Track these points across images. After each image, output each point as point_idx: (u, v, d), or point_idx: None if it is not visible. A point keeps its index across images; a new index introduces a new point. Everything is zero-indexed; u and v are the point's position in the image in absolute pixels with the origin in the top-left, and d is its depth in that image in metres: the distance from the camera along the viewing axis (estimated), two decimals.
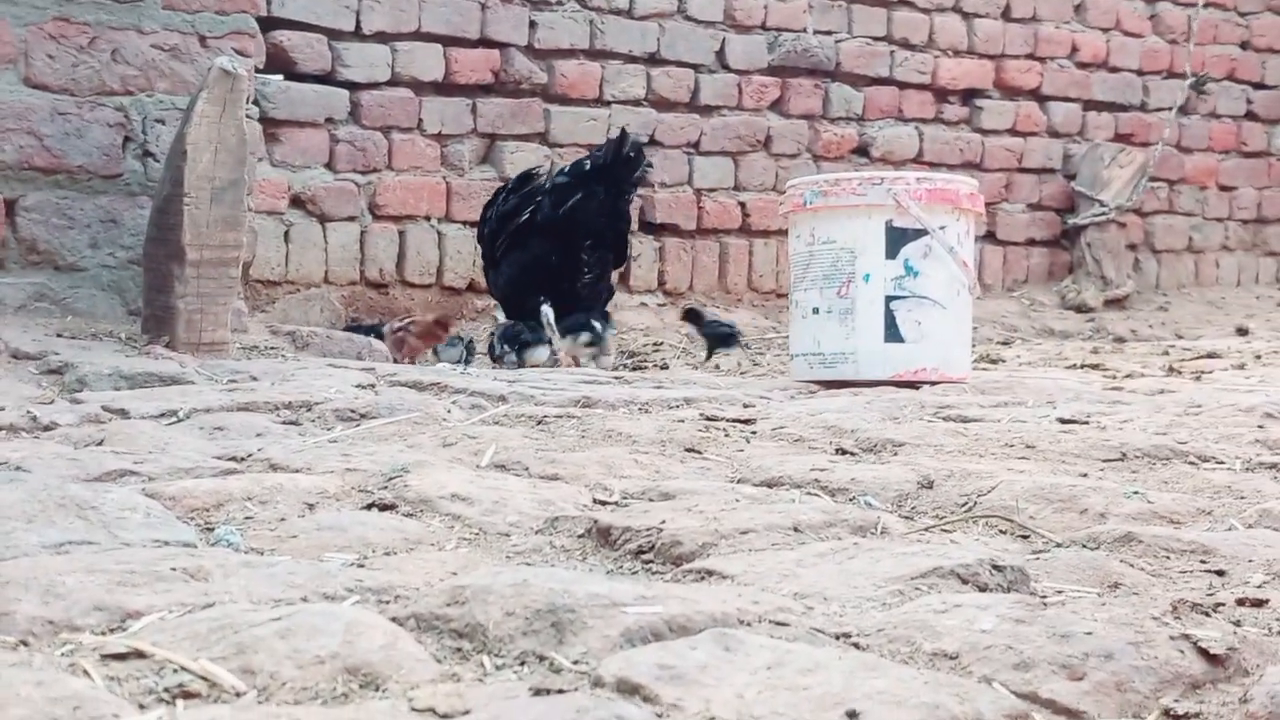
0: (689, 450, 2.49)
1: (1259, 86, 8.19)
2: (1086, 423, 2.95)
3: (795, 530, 1.80)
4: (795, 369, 4.00)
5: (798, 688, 1.21)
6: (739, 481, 2.25)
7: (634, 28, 6.44)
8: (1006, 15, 7.40)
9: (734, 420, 2.85)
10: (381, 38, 5.85)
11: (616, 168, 4.91)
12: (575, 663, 1.29)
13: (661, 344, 6.11)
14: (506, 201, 5.14)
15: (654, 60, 6.52)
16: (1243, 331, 6.59)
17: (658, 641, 1.32)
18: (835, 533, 1.83)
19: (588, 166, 5.00)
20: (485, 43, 6.12)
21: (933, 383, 3.82)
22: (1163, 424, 2.96)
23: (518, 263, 4.98)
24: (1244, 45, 8.14)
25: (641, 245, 6.53)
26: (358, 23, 5.79)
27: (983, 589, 1.58)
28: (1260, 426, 2.91)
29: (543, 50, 6.24)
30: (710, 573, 1.61)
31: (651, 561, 1.71)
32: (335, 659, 1.25)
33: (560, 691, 1.22)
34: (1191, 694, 1.31)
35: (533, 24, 6.21)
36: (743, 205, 6.78)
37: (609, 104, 6.44)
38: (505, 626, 1.35)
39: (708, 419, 2.88)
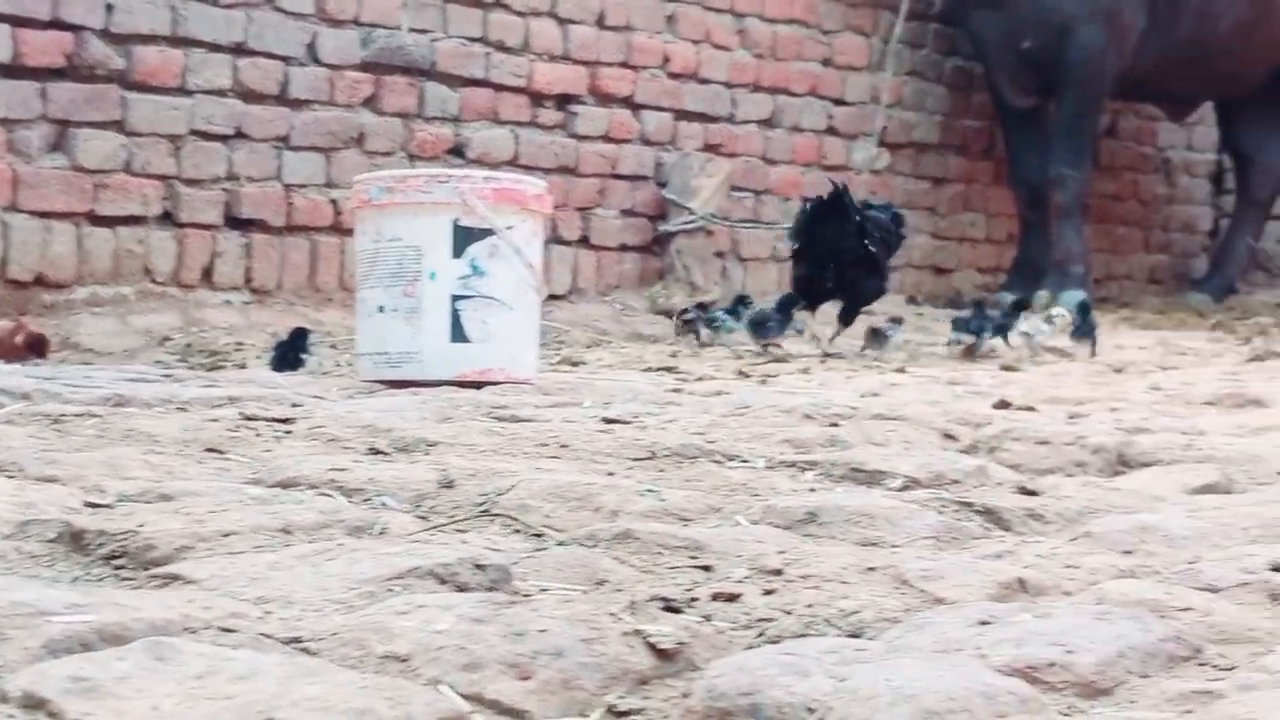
0: (211, 450, 2.40)
1: (839, 103, 8.56)
2: (630, 423, 2.99)
3: (285, 532, 1.74)
4: (362, 368, 3.93)
5: (223, 697, 1.16)
6: (254, 482, 2.17)
7: (218, 15, 6.24)
8: (601, 23, 7.51)
9: (273, 419, 2.77)
10: None
11: None
12: None
13: (244, 344, 5.93)
14: None
15: (241, 50, 6.33)
16: (816, 337, 6.85)
17: (85, 652, 1.24)
18: (329, 534, 1.77)
19: None
20: (57, 25, 5.81)
21: (498, 383, 3.81)
22: (703, 424, 3.02)
23: None
24: (826, 62, 8.49)
25: (227, 241, 6.34)
26: None
27: (462, 589, 1.55)
28: (795, 426, 3.01)
29: (120, 35, 5.97)
30: (176, 577, 1.53)
31: (123, 566, 1.62)
32: None
33: None
34: (638, 690, 1.32)
35: (109, 7, 5.94)
36: (334, 203, 6.65)
37: (192, 94, 6.22)
38: None
39: (247, 418, 2.79)
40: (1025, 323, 6.16)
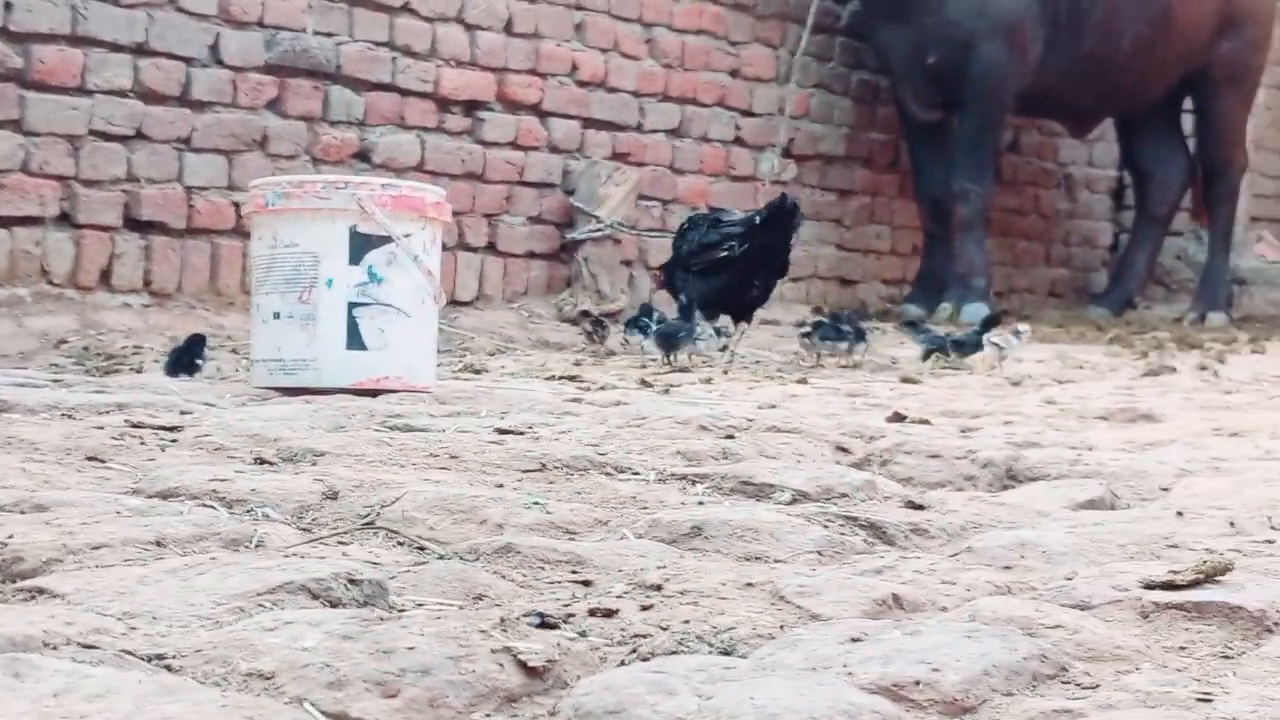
0: (92, 459, 2.37)
1: (747, 114, 8.60)
2: (523, 433, 2.98)
3: (158, 544, 1.72)
4: (256, 375, 3.89)
5: (78, 716, 1.14)
6: (134, 493, 2.14)
7: (120, 15, 6.15)
8: (509, 30, 7.49)
9: (159, 427, 2.73)
10: None
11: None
12: None
13: (142, 348, 5.85)
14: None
15: (142, 51, 6.25)
16: (722, 347, 6.88)
17: None
18: (203, 547, 1.75)
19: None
20: None
21: (395, 391, 3.79)
22: (598, 435, 3.02)
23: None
24: (734, 74, 8.53)
25: (126, 243, 6.25)
26: None
27: (335, 604, 1.54)
28: (690, 438, 3.02)
29: (19, 34, 5.88)
30: (41, 591, 1.51)
31: None
32: None
33: None
34: (507, 708, 1.31)
35: (8, 5, 5.84)
36: (237, 206, 6.58)
37: (92, 93, 6.13)
38: None
39: (133, 425, 2.75)
40: (996, 335, 6.26)
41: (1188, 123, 10.16)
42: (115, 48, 6.16)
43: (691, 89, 8.30)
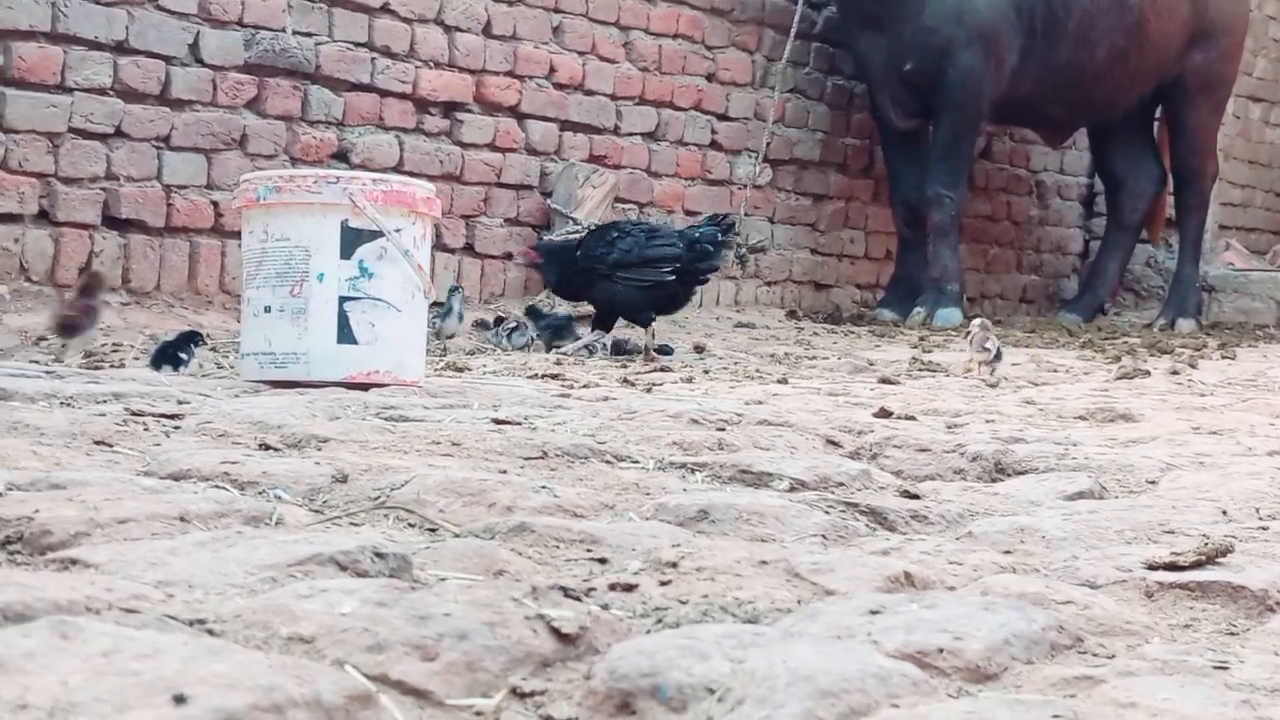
0: (99, 443, 2.38)
1: (723, 118, 8.65)
2: (520, 424, 3.01)
3: (181, 520, 1.74)
4: (246, 369, 3.90)
5: (129, 673, 1.16)
6: (145, 474, 2.16)
7: (100, 13, 6.16)
8: (487, 31, 7.52)
9: (160, 415, 2.74)
10: None
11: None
12: None
13: (121, 345, 5.85)
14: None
15: (122, 49, 6.25)
16: (699, 349, 6.92)
17: None
18: (226, 523, 1.77)
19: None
20: None
21: (385, 385, 3.81)
22: (593, 426, 3.05)
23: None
24: (710, 78, 8.58)
25: (105, 241, 6.25)
26: None
27: (362, 575, 1.56)
28: (683, 430, 3.05)
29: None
30: (75, 561, 1.52)
31: (19, 552, 1.61)
32: None
33: None
34: (541, 672, 1.34)
35: None
36: (215, 205, 6.59)
37: (72, 91, 6.13)
38: None
39: (133, 413, 2.76)
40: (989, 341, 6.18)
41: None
42: (95, 45, 6.17)
43: (668, 93, 8.34)
